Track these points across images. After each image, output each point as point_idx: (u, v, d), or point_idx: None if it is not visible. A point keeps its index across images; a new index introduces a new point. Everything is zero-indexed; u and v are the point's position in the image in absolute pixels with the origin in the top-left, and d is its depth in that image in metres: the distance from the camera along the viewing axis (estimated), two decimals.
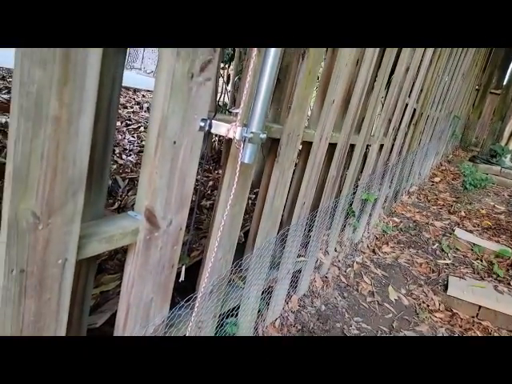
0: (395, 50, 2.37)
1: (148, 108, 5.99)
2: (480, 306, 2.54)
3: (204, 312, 1.34)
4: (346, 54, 1.70)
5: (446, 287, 2.79)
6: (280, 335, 1.93)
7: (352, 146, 2.36)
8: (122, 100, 6.29)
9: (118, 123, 4.69)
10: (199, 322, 1.34)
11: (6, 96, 4.21)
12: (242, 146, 0.99)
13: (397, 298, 2.61)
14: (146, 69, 16.35)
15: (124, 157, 3.69)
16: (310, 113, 1.74)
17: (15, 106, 0.57)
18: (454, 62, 4.71)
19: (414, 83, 3.27)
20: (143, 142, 4.16)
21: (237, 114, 1.01)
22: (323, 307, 2.28)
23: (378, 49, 2.04)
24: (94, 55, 0.64)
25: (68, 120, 0.64)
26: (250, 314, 1.72)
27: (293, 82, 1.53)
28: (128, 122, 4.90)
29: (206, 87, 0.93)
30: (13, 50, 0.56)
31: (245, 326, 1.72)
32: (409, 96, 3.28)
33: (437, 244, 3.57)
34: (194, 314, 1.20)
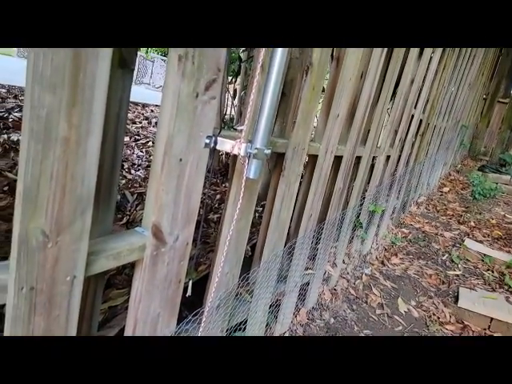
0: (399, 62, 2.39)
1: (156, 123, 6.06)
2: (492, 318, 2.50)
3: (211, 327, 1.34)
4: (350, 68, 1.72)
5: (456, 299, 2.75)
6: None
7: (358, 158, 2.37)
8: (131, 115, 6.38)
9: (127, 138, 4.75)
10: None
11: (18, 114, 4.30)
12: (247, 161, 1.01)
13: (407, 310, 2.59)
14: (154, 84, 16.60)
15: (133, 171, 3.73)
16: (316, 123, 1.75)
17: (26, 129, 0.59)
18: (459, 72, 4.72)
19: (419, 94, 3.28)
20: (151, 157, 4.20)
21: (241, 130, 1.03)
22: (332, 320, 2.27)
23: (381, 62, 2.05)
24: (102, 80, 0.66)
25: (77, 141, 0.66)
26: (257, 328, 1.72)
27: (297, 97, 1.55)
28: (137, 137, 4.96)
29: (211, 105, 0.95)
30: (25, 70, 0.58)
31: None
32: (415, 107, 3.29)
33: (446, 255, 3.53)
34: (201, 329, 1.20)
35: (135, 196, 3.11)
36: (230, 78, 4.03)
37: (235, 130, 1.21)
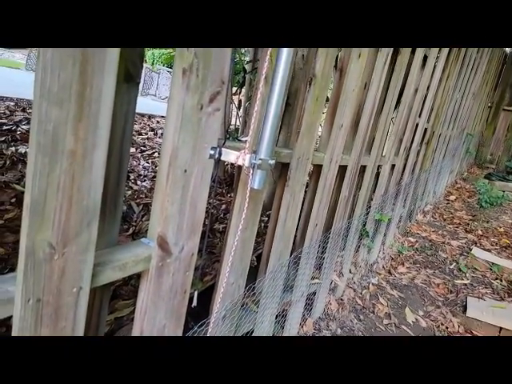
0: (403, 72, 2.39)
1: (162, 134, 6.10)
2: (501, 328, 2.47)
3: None
4: (353, 79, 1.73)
5: (464, 308, 2.72)
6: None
7: (363, 167, 2.37)
8: (137, 127, 6.43)
9: (133, 149, 4.79)
10: None
11: (25, 127, 4.36)
12: (252, 172, 1.01)
13: (414, 319, 2.56)
14: (160, 95, 16.74)
15: (139, 182, 3.76)
16: (320, 133, 1.76)
17: (33, 143, 0.61)
18: (463, 80, 4.72)
19: (424, 103, 3.29)
20: (157, 168, 4.23)
21: (246, 141, 1.04)
22: (339, 330, 2.25)
23: (384, 72, 2.06)
24: (108, 95, 0.68)
25: (83, 154, 0.67)
26: None
27: (302, 107, 1.56)
28: (143, 148, 5.00)
29: (216, 117, 0.96)
30: (33, 84, 0.59)
31: None
32: (419, 116, 3.29)
33: (454, 264, 3.50)
34: None
35: (141, 207, 3.13)
36: (234, 89, 4.06)
37: (240, 140, 1.22)
